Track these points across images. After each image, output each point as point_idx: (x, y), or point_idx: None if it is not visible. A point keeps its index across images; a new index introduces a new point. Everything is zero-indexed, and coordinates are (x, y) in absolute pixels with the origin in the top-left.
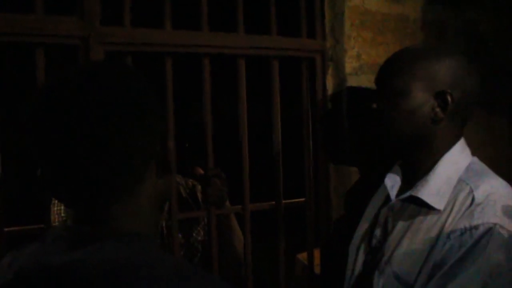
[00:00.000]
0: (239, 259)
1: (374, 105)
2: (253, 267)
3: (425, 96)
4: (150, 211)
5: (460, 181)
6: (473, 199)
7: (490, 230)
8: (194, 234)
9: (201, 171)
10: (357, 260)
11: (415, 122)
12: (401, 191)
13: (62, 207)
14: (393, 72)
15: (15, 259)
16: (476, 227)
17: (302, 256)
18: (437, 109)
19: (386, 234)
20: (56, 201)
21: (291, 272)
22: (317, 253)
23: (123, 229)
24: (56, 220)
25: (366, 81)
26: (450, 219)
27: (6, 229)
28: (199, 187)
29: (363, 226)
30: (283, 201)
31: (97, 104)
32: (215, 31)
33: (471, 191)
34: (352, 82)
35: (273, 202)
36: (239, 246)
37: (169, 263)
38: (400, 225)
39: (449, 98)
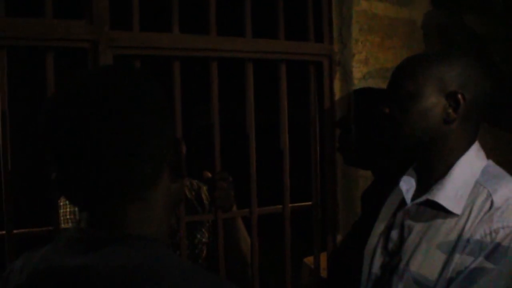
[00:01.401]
0: (245, 262)
1: (387, 110)
2: (260, 271)
3: (437, 97)
4: (163, 215)
5: (477, 184)
6: (492, 203)
7: (510, 234)
8: (198, 236)
9: (209, 175)
10: (373, 263)
11: (427, 124)
12: (416, 194)
13: (69, 209)
14: (404, 76)
15: (27, 262)
16: (496, 231)
17: (309, 260)
18: (449, 110)
19: (402, 237)
20: (62, 204)
21: (298, 276)
22: (323, 257)
23: (135, 233)
24: (63, 222)
25: (374, 85)
26: (469, 223)
27: (15, 231)
28: (204, 189)
29: (378, 229)
30: (290, 205)
31: (107, 108)
32: (223, 35)
33: (489, 195)
34: (359, 86)
35: (280, 206)
36: (246, 249)
37: (180, 268)
38: (417, 229)
39: (460, 98)
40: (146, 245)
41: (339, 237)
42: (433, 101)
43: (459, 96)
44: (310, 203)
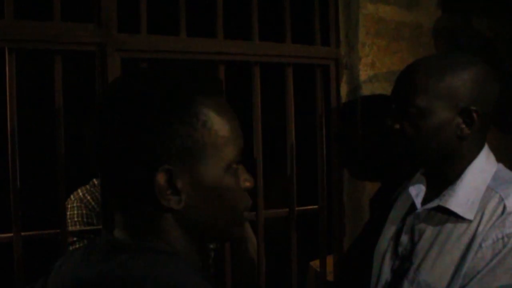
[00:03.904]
0: (252, 265)
1: (397, 126)
2: (266, 274)
3: (450, 114)
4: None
5: (489, 189)
6: (504, 208)
7: None
8: None
9: None
10: (382, 266)
11: (440, 140)
12: (426, 198)
13: (76, 212)
14: (412, 90)
15: (63, 265)
16: (508, 236)
17: (315, 263)
18: (463, 126)
19: (413, 242)
20: (70, 206)
21: (304, 279)
22: (329, 260)
23: (159, 243)
24: (70, 225)
25: (381, 88)
26: (480, 228)
27: (22, 233)
28: None
29: (388, 233)
30: (297, 208)
31: (137, 113)
32: (230, 38)
33: (502, 199)
34: (366, 89)
35: (287, 209)
36: (253, 252)
37: (191, 284)
38: (428, 233)
39: (475, 115)
40: (160, 258)
41: (345, 241)
42: (446, 117)
43: (474, 113)
44: (316, 206)
